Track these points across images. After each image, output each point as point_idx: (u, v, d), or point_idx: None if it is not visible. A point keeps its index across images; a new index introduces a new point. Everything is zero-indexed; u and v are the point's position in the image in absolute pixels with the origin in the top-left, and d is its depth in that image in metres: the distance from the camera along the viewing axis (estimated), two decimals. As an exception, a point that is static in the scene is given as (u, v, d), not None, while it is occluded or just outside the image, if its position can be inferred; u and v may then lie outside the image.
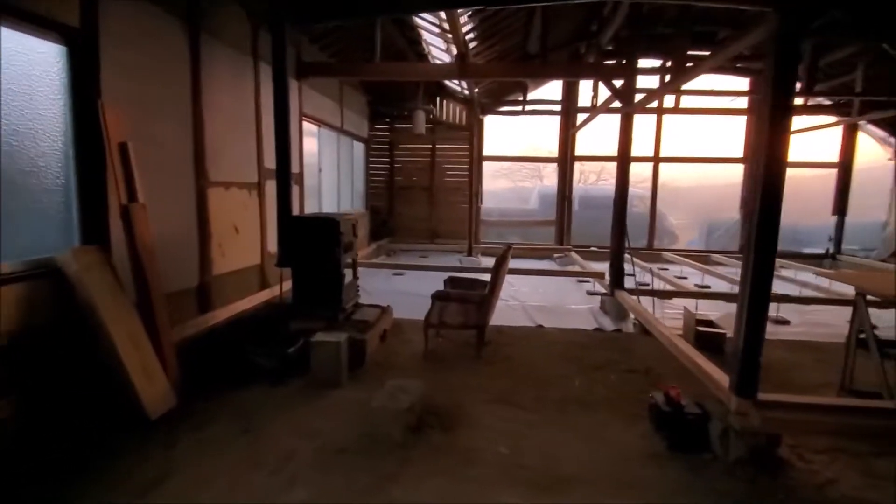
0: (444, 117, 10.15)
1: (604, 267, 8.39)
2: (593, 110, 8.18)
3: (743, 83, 9.67)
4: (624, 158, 5.51)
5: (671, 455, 2.70)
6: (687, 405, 2.87)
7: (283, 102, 4.26)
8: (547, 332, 4.95)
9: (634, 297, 5.33)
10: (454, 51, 6.12)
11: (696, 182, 12.20)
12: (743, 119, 9.81)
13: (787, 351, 4.52)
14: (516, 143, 12.68)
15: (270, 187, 5.09)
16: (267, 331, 3.93)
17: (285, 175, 4.36)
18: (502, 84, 8.92)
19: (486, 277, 4.40)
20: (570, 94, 9.77)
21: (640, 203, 12.99)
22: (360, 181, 8.80)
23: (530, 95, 9.64)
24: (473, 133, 9.11)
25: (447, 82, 8.99)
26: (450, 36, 5.43)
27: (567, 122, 9.97)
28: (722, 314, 5.20)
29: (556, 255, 9.61)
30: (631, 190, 13.59)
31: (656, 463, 2.63)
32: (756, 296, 2.64)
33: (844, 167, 9.60)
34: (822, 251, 9.62)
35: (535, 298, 6.35)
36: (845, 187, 9.63)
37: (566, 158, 10.08)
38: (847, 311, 5.68)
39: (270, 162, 5.08)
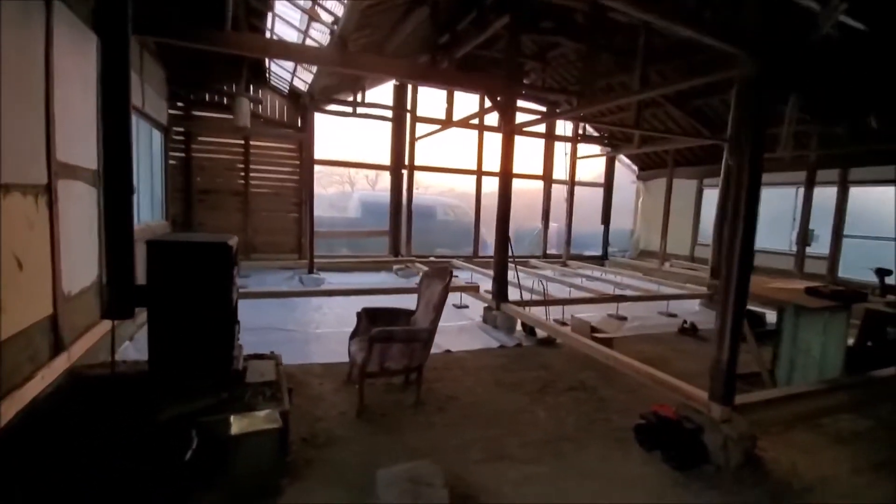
0: (261, 110, 8.59)
1: (464, 278, 8.48)
2: (446, 123, 8.11)
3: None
4: (506, 174, 5.55)
5: (684, 476, 2.68)
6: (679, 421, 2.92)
7: (119, 61, 2.69)
8: (458, 357, 4.55)
9: (521, 309, 5.41)
10: (315, 32, 5.11)
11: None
12: (541, 142, 11.32)
13: (648, 344, 5.25)
14: (345, 147, 11.76)
15: (67, 192, 3.23)
16: (118, 426, 2.39)
17: (123, 172, 2.78)
18: (343, 79, 8.04)
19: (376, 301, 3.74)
20: (400, 99, 9.52)
21: (450, 212, 13.77)
22: (158, 183, 6.58)
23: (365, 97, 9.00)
24: (306, 131, 7.92)
25: (276, 69, 7.58)
26: (329, 17, 4.46)
27: (399, 129, 9.69)
28: (599, 318, 5.75)
29: (395, 268, 9.21)
30: (441, 199, 14.28)
31: (679, 487, 2.57)
32: (737, 311, 2.85)
33: (608, 186, 12.10)
34: (598, 253, 11.92)
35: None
36: (608, 202, 12.15)
37: (399, 167, 9.79)
38: (652, 306, 7.00)
39: (67, 153, 3.24)
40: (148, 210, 5.95)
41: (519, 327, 5.43)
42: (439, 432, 3.04)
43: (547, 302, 5.57)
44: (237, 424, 2.32)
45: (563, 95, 9.53)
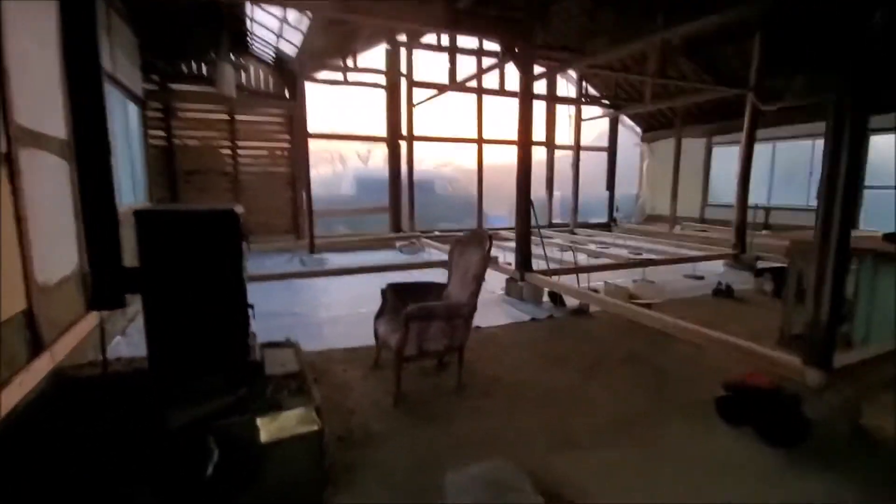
0: (245, 81, 7.92)
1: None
2: (450, 84, 7.50)
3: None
4: (525, 134, 5.06)
5: (786, 454, 2.32)
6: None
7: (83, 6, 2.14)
8: (489, 333, 4.14)
9: (549, 278, 5.00)
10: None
11: (499, 162, 13.05)
12: (542, 105, 10.76)
13: (687, 308, 4.87)
14: (337, 120, 11.09)
15: (31, 163, 2.70)
16: (118, 438, 1.95)
17: (97, 134, 2.26)
18: (334, 40, 7.40)
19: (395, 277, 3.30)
20: (393, 64, 8.88)
21: (449, 185, 13.23)
22: (139, 163, 5.97)
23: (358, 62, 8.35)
24: (297, 101, 7.30)
25: (259, 31, 6.91)
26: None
27: (394, 97, 9.08)
28: (633, 284, 5.36)
29: (399, 244, 8.74)
30: (439, 172, 13.73)
31: (787, 469, 2.21)
32: (839, 265, 2.45)
33: (612, 150, 11.64)
34: (603, 220, 11.54)
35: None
36: (612, 166, 11.71)
37: (396, 138, 9.21)
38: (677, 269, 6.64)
39: (29, 117, 2.70)
40: (129, 192, 5.37)
41: (546, 298, 5.04)
42: (491, 419, 2.64)
43: (574, 269, 5.16)
44: (266, 429, 1.88)
45: (566, 53, 8.95)
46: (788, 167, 9.24)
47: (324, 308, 4.89)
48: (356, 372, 3.23)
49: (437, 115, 10.18)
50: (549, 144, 10.83)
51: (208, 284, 2.29)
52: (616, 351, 3.67)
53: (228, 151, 8.10)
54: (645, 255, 7.41)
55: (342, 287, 5.66)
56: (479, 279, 2.91)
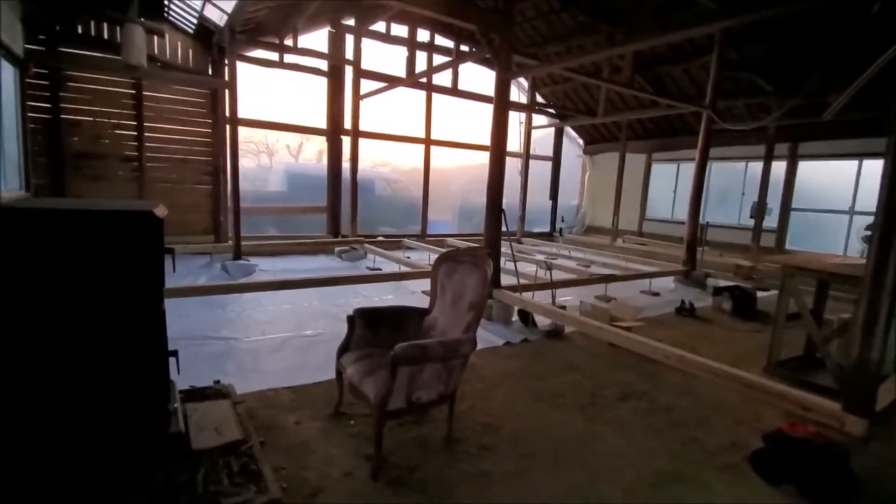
0: (158, 51, 6.68)
1: (419, 258, 7.31)
2: (408, 77, 6.78)
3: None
4: (499, 134, 4.58)
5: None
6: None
7: None
8: (463, 361, 3.56)
9: (519, 296, 4.54)
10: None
11: (444, 165, 12.55)
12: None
13: (655, 328, 4.66)
14: (269, 107, 9.88)
15: None
16: None
17: None
18: (267, 16, 6.44)
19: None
20: (337, 50, 8.04)
21: (389, 187, 12.53)
22: (13, 139, 4.62)
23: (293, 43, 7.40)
24: (222, 79, 6.22)
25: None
26: None
27: (337, 87, 8.22)
28: (611, 303, 5.04)
29: (338, 250, 7.90)
30: (379, 172, 12.95)
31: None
32: (889, 302, 2.18)
33: (556, 160, 11.61)
34: (546, 230, 11.45)
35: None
36: (556, 176, 11.69)
37: (338, 132, 8.35)
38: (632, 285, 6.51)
39: None
40: (-6, 175, 4.11)
41: (515, 317, 4.57)
42: (502, 489, 2.07)
43: (548, 285, 4.76)
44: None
45: (522, 56, 8.68)
46: (723, 187, 9.68)
47: (259, 329, 4.02)
48: (313, 424, 2.50)
49: (379, 111, 9.48)
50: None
51: (109, 320, 1.49)
52: (609, 384, 3.26)
53: (133, 132, 6.79)
54: (594, 269, 7.27)
55: (280, 300, 4.79)
56: (479, 309, 2.33)
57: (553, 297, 4.69)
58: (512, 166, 10.96)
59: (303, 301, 4.85)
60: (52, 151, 6.22)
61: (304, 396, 2.80)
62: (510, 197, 11.19)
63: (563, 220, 11.29)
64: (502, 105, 4.55)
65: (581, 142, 12.19)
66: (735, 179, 9.49)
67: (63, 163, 6.32)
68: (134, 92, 6.73)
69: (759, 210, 8.44)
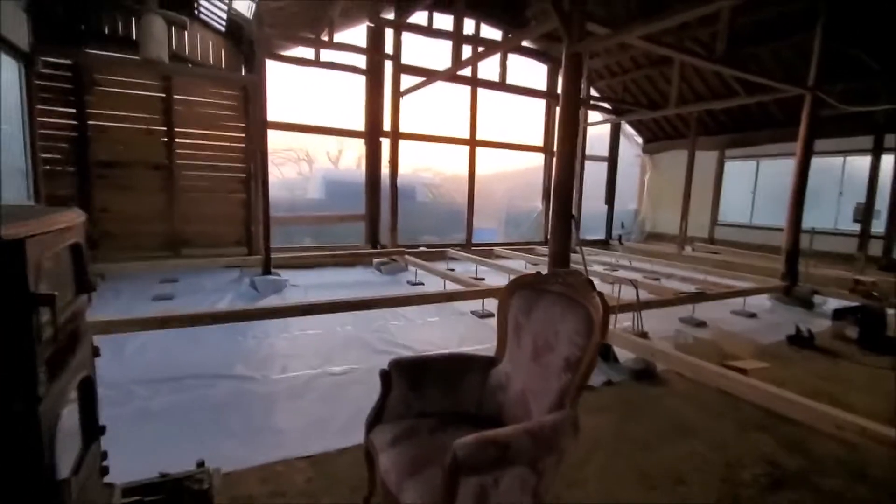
0: (188, 51, 6.27)
1: (464, 270, 6.52)
2: (454, 67, 6.04)
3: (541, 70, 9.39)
4: (569, 134, 3.74)
5: None
6: None
7: None
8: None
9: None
10: None
11: (489, 170, 11.76)
12: (542, 103, 9.54)
13: (770, 366, 3.64)
14: (305, 110, 9.48)
15: None
16: None
17: None
18: (301, 9, 5.90)
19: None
20: (376, 46, 7.43)
21: (430, 192, 11.85)
22: (15, 144, 4.21)
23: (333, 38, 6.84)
24: (254, 83, 5.70)
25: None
26: None
27: (376, 85, 7.61)
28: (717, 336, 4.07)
29: (377, 262, 7.23)
30: (420, 178, 12.33)
31: None
32: None
33: (612, 160, 10.57)
34: (601, 237, 10.40)
35: (441, 348, 3.89)
36: (613, 178, 10.63)
37: (377, 133, 7.73)
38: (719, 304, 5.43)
39: None
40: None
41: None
42: None
43: (635, 307, 3.85)
44: None
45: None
46: (815, 186, 8.35)
47: (279, 364, 3.34)
48: (333, 524, 1.74)
49: (420, 112, 8.81)
50: (548, 150, 9.62)
51: None
52: (744, 459, 2.33)
53: (163, 139, 6.40)
54: (665, 283, 6.23)
55: (307, 324, 4.12)
56: (582, 372, 1.49)
57: (637, 324, 3.77)
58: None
59: (333, 325, 4.15)
60: (77, 160, 5.90)
61: (324, 473, 2.05)
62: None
63: (622, 227, 10.19)
64: (572, 88, 3.70)
65: (639, 140, 11.08)
66: (830, 177, 8.16)
67: (88, 172, 5.99)
68: (164, 95, 6.34)
69: (866, 212, 7.12)
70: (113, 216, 6.16)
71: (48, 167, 5.59)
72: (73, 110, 5.79)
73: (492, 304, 4.88)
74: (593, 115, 9.88)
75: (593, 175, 10.69)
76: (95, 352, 1.23)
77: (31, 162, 4.37)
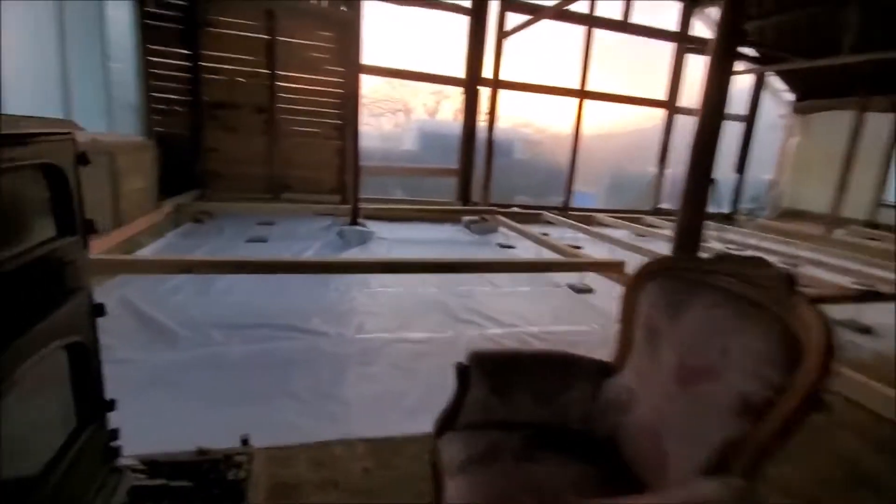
0: (291, -10, 6.10)
1: (558, 236, 5.89)
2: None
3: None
4: (722, 83, 2.94)
5: None
6: None
7: None
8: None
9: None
10: None
11: (594, 126, 10.65)
12: (669, 47, 8.18)
13: None
14: (402, 53, 9.21)
15: None
16: None
17: None
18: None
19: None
20: (482, -17, 6.71)
21: (529, 149, 11.09)
22: (129, 79, 4.34)
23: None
24: (355, 19, 5.38)
25: None
26: None
27: (479, 29, 6.96)
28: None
29: (466, 219, 6.84)
30: (518, 132, 11.55)
31: None
32: None
33: (750, 121, 8.95)
34: (725, 210, 8.99)
35: (531, 325, 3.43)
36: (747, 143, 9.04)
37: (476, 82, 7.15)
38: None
39: None
40: (99, 112, 3.73)
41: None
42: None
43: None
44: None
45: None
46: None
47: (355, 322, 3.12)
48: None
49: (524, 59, 8.01)
50: (671, 106, 8.34)
51: None
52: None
53: (266, 82, 6.41)
54: (807, 270, 5.11)
55: (389, 280, 3.88)
56: (781, 422, 0.95)
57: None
58: (682, 128, 8.67)
59: (416, 284, 3.86)
60: (191, 102, 6.12)
61: (384, 464, 1.75)
62: (674, 165, 8.99)
63: (753, 200, 8.69)
64: (733, 19, 2.85)
65: (787, 98, 9.21)
66: None
67: (201, 112, 6.20)
68: (268, 37, 6.29)
69: None
70: (220, 156, 6.38)
71: (163, 106, 5.87)
72: (187, 51, 5.94)
73: (592, 279, 4.28)
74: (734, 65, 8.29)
75: (722, 137, 9.16)
76: (98, 310, 0.97)
77: (142, 99, 4.49)
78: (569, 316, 3.54)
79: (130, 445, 1.20)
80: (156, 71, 5.53)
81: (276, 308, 3.23)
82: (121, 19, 4.03)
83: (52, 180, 0.81)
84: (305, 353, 2.63)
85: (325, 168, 6.92)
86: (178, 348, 2.57)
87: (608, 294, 4.12)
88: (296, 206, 6.44)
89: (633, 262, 4.49)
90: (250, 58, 6.29)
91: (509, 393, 1.38)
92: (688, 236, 3.08)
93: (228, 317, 3.00)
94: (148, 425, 1.56)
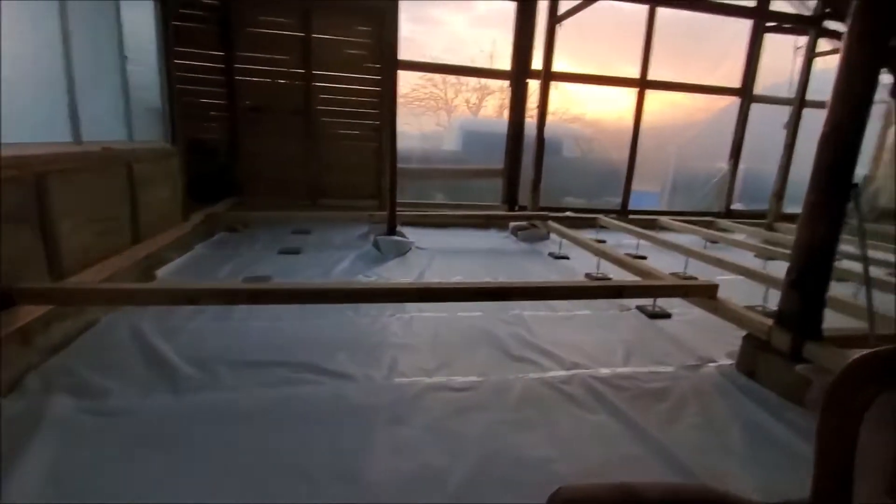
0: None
1: (616, 243, 5.15)
2: None
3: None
4: (868, 78, 2.24)
5: None
6: None
7: None
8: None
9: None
10: None
11: (654, 119, 9.75)
12: (745, 27, 7.24)
13: None
14: (444, 48, 8.72)
15: None
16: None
17: None
18: None
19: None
20: (532, -34, 6.09)
21: (580, 146, 10.30)
22: (152, 82, 4.07)
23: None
24: (392, 10, 4.93)
25: None
26: None
27: (527, 15, 6.35)
28: None
29: (513, 226, 6.27)
30: (567, 128, 10.79)
31: None
32: None
33: (841, 108, 7.80)
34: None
35: (600, 364, 2.87)
36: (837, 133, 7.90)
37: (524, 74, 6.55)
38: None
39: None
40: (115, 120, 3.45)
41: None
42: None
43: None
44: None
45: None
46: None
47: (387, 358, 2.65)
48: None
49: (575, 48, 7.31)
50: (745, 93, 7.39)
51: None
52: None
53: (301, 82, 6.10)
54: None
55: (426, 306, 3.38)
56: None
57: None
58: (763, 116, 7.69)
59: (457, 307, 3.35)
60: (226, 105, 5.90)
61: None
62: (748, 160, 8.00)
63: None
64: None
65: (886, 80, 7.97)
66: None
67: (236, 116, 5.97)
68: (303, 35, 5.96)
69: None
70: (257, 162, 6.12)
71: (197, 110, 5.66)
72: (219, 52, 5.71)
73: (673, 304, 3.61)
74: (822, 45, 7.24)
75: (807, 126, 8.08)
76: None
77: (168, 103, 4.23)
78: (645, 351, 2.92)
79: None
80: (185, 74, 5.31)
81: (300, 336, 2.81)
82: (140, 21, 3.74)
83: None
84: (326, 404, 2.17)
85: (362, 172, 6.54)
86: (180, 391, 2.18)
87: (688, 320, 3.46)
88: (332, 213, 6.09)
89: (711, 277, 3.78)
90: (285, 57, 5.99)
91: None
92: (813, 257, 2.40)
93: (244, 350, 2.61)
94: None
